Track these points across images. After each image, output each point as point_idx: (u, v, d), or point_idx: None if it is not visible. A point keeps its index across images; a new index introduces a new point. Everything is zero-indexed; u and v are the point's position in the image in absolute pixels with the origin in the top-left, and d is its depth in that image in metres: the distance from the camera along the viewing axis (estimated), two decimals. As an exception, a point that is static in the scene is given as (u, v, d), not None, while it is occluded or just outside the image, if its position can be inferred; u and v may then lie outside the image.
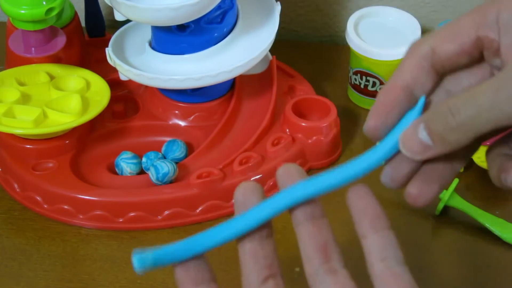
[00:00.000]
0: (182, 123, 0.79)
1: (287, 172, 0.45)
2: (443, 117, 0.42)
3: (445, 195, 0.72)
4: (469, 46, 0.45)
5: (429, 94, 0.46)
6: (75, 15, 0.84)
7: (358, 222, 0.44)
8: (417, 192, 0.45)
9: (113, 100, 0.77)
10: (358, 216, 0.44)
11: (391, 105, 0.45)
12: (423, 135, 0.43)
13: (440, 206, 0.72)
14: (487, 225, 0.72)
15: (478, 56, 0.45)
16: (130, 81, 0.77)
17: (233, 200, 0.45)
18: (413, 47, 0.46)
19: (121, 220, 0.72)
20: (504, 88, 0.41)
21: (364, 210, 0.44)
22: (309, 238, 0.44)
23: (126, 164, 0.75)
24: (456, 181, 0.73)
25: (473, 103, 0.42)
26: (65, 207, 0.72)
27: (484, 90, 0.42)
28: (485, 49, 0.45)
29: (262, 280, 0.44)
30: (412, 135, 0.44)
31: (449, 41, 0.45)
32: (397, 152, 0.45)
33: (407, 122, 0.44)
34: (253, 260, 0.44)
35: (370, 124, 0.46)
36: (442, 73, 0.46)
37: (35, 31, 0.75)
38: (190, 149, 0.78)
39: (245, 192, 0.44)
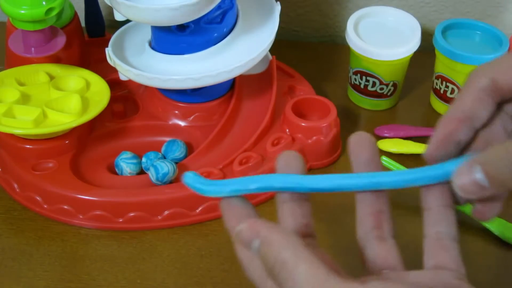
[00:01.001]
0: (182, 123, 0.79)
1: (360, 141, 0.48)
2: (506, 164, 0.44)
3: None
4: None
5: (488, 121, 0.48)
6: (75, 15, 0.84)
7: (424, 195, 0.47)
8: (486, 209, 0.48)
9: (113, 100, 0.77)
10: (426, 190, 0.47)
11: (449, 136, 0.47)
12: (479, 176, 0.44)
13: None
14: (487, 225, 0.72)
15: None
16: (130, 81, 0.76)
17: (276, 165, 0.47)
18: (472, 79, 0.48)
19: (121, 220, 0.72)
20: None
21: (432, 186, 0.47)
22: (366, 205, 0.47)
23: (126, 164, 0.75)
24: None
25: None
26: (65, 207, 0.72)
27: None
28: None
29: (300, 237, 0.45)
30: (467, 176, 0.45)
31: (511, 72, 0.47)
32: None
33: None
34: (292, 218, 0.46)
35: (429, 152, 0.48)
36: (500, 102, 0.48)
37: (35, 31, 0.75)
38: (190, 149, 0.78)
39: (287, 159, 0.47)
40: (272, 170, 0.75)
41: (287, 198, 0.47)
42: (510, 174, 0.44)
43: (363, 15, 0.86)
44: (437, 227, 0.46)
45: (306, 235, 0.46)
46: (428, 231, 0.47)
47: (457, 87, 0.83)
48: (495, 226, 0.71)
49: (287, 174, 0.47)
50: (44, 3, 0.73)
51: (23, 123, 0.72)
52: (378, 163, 0.48)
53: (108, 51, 0.76)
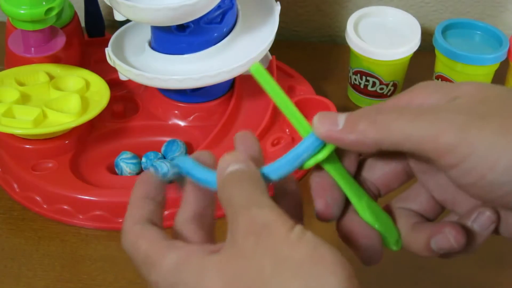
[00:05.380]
0: (182, 123, 0.79)
1: (245, 137, 0.51)
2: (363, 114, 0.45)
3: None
4: None
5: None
6: (75, 15, 0.84)
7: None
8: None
9: (113, 100, 0.77)
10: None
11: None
12: (340, 119, 0.46)
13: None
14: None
15: None
16: (130, 81, 0.76)
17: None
18: None
19: (120, 220, 0.72)
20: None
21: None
22: None
23: (125, 164, 0.75)
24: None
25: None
26: (65, 207, 0.72)
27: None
28: None
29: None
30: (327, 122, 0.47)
31: None
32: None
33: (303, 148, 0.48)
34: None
35: (319, 207, 0.49)
36: None
37: (34, 31, 0.75)
38: (190, 149, 0.78)
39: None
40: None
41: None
42: (365, 122, 0.44)
43: (363, 15, 0.86)
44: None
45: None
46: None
47: (457, 87, 0.83)
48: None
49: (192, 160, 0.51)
50: (43, 3, 0.73)
51: (23, 123, 0.72)
52: (261, 161, 0.49)
53: (108, 51, 0.76)
